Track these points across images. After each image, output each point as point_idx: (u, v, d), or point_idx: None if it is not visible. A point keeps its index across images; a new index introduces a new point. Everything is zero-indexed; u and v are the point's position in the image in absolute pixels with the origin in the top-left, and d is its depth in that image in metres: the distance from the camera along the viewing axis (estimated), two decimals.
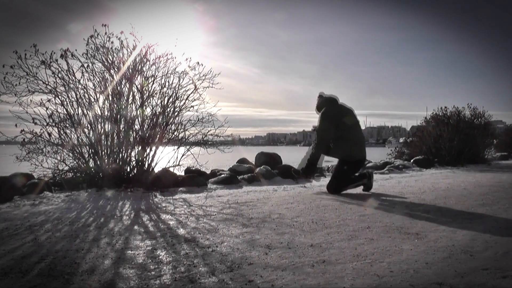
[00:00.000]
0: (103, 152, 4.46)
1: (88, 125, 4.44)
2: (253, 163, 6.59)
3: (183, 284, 1.56)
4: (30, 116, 4.12)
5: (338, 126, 4.27)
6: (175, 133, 4.87)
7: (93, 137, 4.42)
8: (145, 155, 4.61)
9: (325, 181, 5.00)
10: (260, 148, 16.24)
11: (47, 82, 4.28)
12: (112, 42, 4.54)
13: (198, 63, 4.82)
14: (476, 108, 10.06)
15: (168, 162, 4.80)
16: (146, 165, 4.63)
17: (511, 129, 16.14)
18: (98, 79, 4.50)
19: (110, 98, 4.51)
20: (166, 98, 4.72)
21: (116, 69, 4.58)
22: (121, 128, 4.51)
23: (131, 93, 4.63)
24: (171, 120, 4.79)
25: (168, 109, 4.75)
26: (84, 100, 4.41)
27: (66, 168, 4.43)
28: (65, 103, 4.34)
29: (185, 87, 4.81)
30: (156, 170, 4.71)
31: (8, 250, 2.05)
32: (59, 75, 4.31)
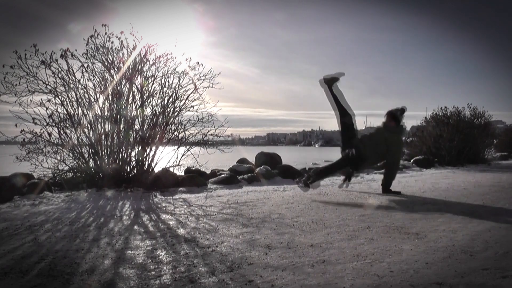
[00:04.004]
0: (103, 152, 4.46)
1: (88, 125, 4.44)
2: (253, 163, 6.60)
3: (183, 284, 1.56)
4: (30, 116, 4.14)
5: None
6: (175, 133, 4.88)
7: (93, 137, 4.42)
8: (145, 155, 4.61)
9: (324, 182, 4.99)
10: (260, 148, 16.24)
11: (47, 82, 4.29)
12: (112, 42, 4.56)
13: (198, 63, 4.84)
14: (476, 108, 10.08)
15: (168, 162, 4.81)
16: (146, 165, 4.63)
17: (511, 129, 16.14)
18: (98, 79, 4.51)
19: (110, 98, 4.51)
20: (166, 98, 4.73)
21: (116, 69, 4.59)
22: (121, 128, 4.51)
23: (131, 93, 4.63)
24: (171, 120, 4.80)
25: (168, 109, 4.75)
26: (84, 100, 4.42)
27: (66, 168, 4.44)
28: (65, 103, 4.35)
29: (185, 87, 4.83)
30: (156, 170, 4.72)
31: (8, 250, 2.05)
32: (59, 75, 4.32)
